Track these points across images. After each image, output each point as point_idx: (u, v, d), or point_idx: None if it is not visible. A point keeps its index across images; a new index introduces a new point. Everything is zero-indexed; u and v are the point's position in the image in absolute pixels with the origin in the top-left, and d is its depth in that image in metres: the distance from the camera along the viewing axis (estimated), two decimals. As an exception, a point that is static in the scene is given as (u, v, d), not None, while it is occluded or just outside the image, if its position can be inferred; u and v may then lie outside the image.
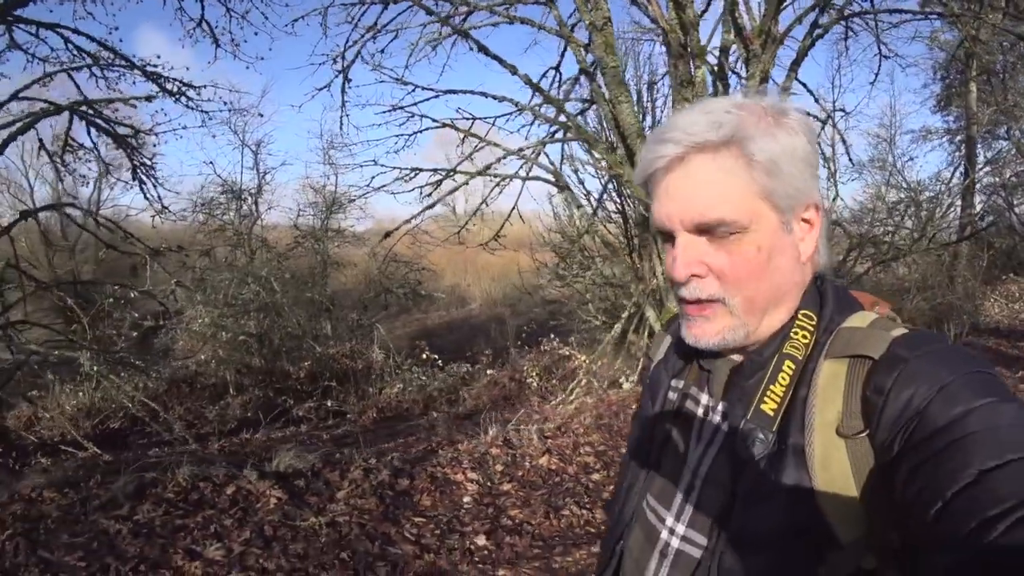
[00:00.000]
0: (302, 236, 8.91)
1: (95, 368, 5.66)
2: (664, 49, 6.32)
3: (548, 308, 9.38)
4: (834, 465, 0.68)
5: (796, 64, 6.11)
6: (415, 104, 7.54)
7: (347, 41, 7.08)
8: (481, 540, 3.14)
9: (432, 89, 7.45)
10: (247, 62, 13.63)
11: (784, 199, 0.74)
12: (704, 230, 0.74)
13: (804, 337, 0.76)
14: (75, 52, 6.26)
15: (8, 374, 5.63)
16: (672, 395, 0.92)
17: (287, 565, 2.94)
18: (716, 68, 6.12)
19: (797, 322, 0.77)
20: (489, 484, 3.68)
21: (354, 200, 8.10)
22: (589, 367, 6.76)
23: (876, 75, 7.95)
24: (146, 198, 6.45)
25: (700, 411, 0.86)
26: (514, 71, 6.09)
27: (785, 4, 5.59)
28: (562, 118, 6.57)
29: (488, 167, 6.67)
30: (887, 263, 6.67)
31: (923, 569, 0.61)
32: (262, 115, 12.98)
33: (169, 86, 6.49)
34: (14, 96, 5.63)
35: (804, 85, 7.33)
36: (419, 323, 10.18)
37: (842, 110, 6.82)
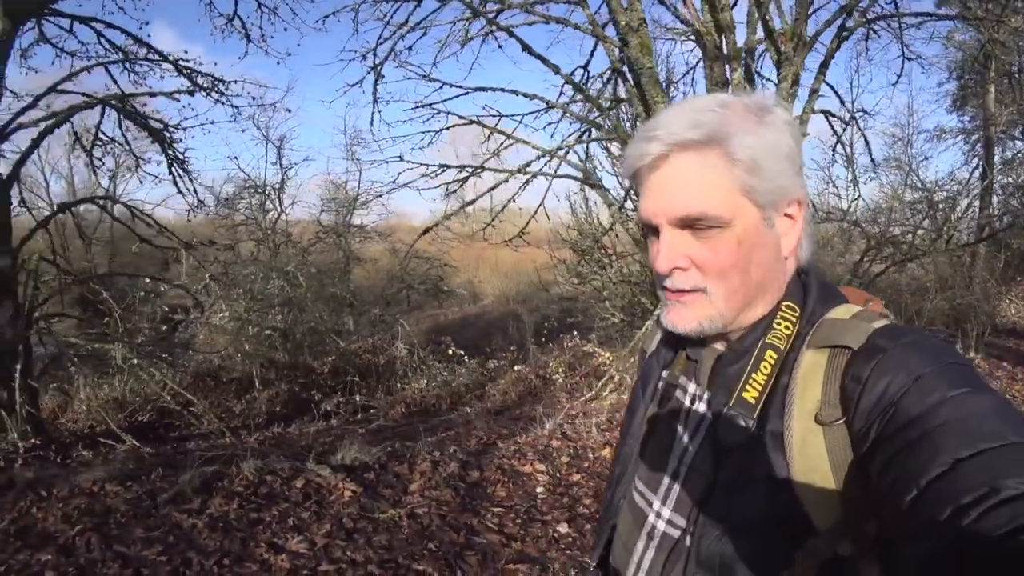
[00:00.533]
0: (324, 231, 8.92)
1: (134, 361, 5.67)
2: (683, 49, 6.40)
3: (563, 305, 9.47)
4: (811, 451, 0.69)
5: (824, 67, 6.22)
6: (442, 101, 7.58)
7: (379, 38, 7.11)
8: (563, 528, 3.22)
9: (461, 86, 7.48)
10: (277, 57, 13.67)
11: (765, 195, 0.76)
12: (687, 225, 0.76)
13: (787, 328, 0.78)
14: (108, 46, 6.25)
15: (44, 365, 5.63)
16: (661, 385, 0.95)
17: (375, 556, 2.98)
18: (743, 70, 6.21)
19: (780, 313, 0.80)
20: (558, 475, 3.77)
21: (380, 196, 8.15)
22: (619, 364, 6.84)
23: (899, 76, 8.09)
24: (180, 192, 6.45)
25: (687, 400, 0.88)
26: (556, 70, 6.15)
27: (816, 8, 5.70)
28: (599, 118, 6.62)
29: (527, 164, 6.71)
30: (904, 263, 6.82)
31: (898, 558, 0.62)
32: (289, 111, 12.97)
33: (201, 81, 6.49)
34: (52, 88, 5.62)
35: (831, 87, 7.44)
36: (432, 319, 10.23)
37: (863, 111, 6.94)
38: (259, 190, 7.80)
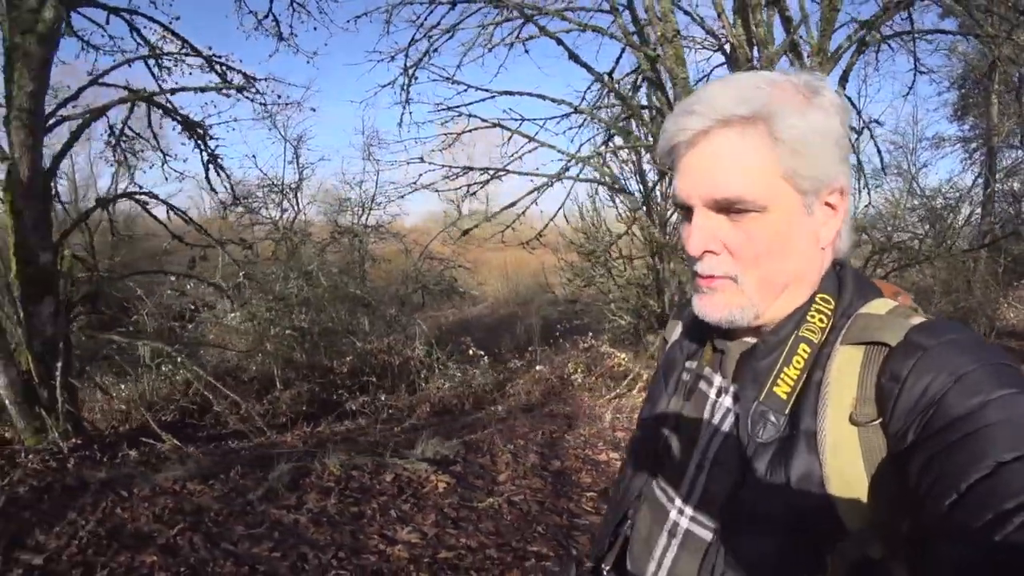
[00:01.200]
0: (339, 231, 8.94)
1: (178, 358, 5.64)
2: (697, 58, 6.68)
3: (569, 307, 9.66)
4: (845, 452, 0.67)
5: (844, 80, 6.57)
6: (467, 104, 7.70)
7: (411, 40, 7.19)
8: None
9: (487, 90, 7.61)
10: (307, 56, 13.56)
11: (808, 181, 0.72)
12: (722, 207, 0.73)
13: (821, 321, 0.75)
14: (139, 39, 6.19)
15: (82, 364, 5.56)
16: (686, 376, 0.91)
17: (488, 541, 3.12)
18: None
19: (815, 305, 0.76)
20: (633, 461, 3.96)
21: (403, 196, 8.21)
22: (638, 364, 7.07)
23: (910, 88, 8.51)
24: (213, 190, 6.41)
25: (713, 393, 0.85)
26: (599, 78, 6.34)
27: (840, 25, 6.03)
28: (625, 124, 6.85)
29: (564, 168, 6.88)
30: (908, 268, 7.23)
31: (933, 560, 0.60)
32: (314, 110, 12.79)
33: (231, 77, 6.47)
34: (94, 81, 5.56)
35: (849, 99, 7.80)
36: (434, 320, 10.28)
37: (875, 120, 7.32)
38: (277, 189, 7.78)
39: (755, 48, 6.08)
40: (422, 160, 8.13)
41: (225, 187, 6.66)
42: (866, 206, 7.34)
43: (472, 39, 7.47)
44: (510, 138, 8.02)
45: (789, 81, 0.74)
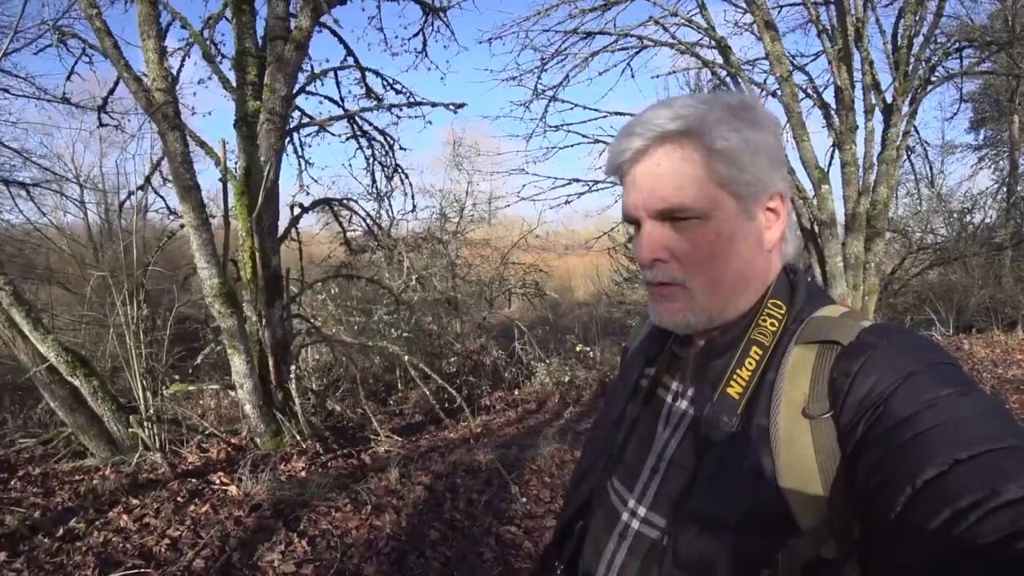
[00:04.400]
0: (434, 238, 9.19)
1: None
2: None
3: (623, 308, 10.50)
4: (797, 446, 0.67)
5: (913, 115, 8.03)
6: (582, 123, 8.39)
7: (541, 64, 7.77)
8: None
9: (596, 110, 8.35)
10: (444, 72, 13.15)
11: (743, 187, 0.76)
12: (667, 217, 0.77)
13: (772, 325, 0.77)
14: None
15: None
16: (644, 382, 0.94)
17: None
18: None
19: (766, 310, 0.78)
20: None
21: (509, 205, 8.62)
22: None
23: (954, 115, 10.09)
24: (405, 195, 6.50)
25: (669, 397, 0.87)
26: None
27: (927, 75, 7.46)
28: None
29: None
30: (939, 266, 8.75)
31: (882, 559, 0.59)
32: (431, 123, 12.52)
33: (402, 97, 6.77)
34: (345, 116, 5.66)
35: (915, 129, 9.29)
36: (501, 320, 10.59)
37: (926, 142, 8.77)
38: (384, 196, 7.92)
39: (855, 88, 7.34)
40: (523, 171, 8.71)
41: (410, 194, 6.87)
42: (915, 214, 8.70)
43: (580, 62, 8.20)
44: (602, 153, 8.81)
45: (722, 99, 0.79)
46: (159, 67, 4.45)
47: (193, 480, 4.23)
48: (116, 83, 6.11)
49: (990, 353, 7.03)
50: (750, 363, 0.74)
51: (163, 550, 3.32)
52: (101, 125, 6.48)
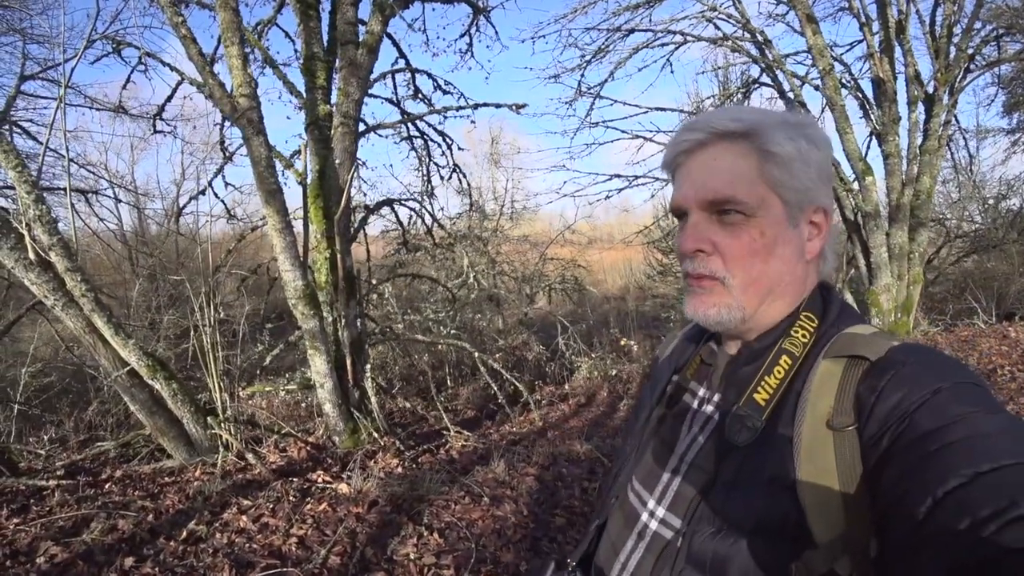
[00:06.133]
0: (477, 237, 9.26)
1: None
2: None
3: (655, 301, 10.60)
4: (820, 456, 0.67)
5: (954, 104, 8.14)
6: (624, 119, 8.49)
7: (583, 61, 7.84)
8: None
9: (637, 105, 8.43)
10: (488, 72, 13.28)
11: (792, 193, 0.79)
12: (715, 209, 0.80)
13: (804, 336, 0.79)
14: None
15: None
16: (671, 388, 0.96)
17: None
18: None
19: (799, 322, 0.80)
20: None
21: (551, 202, 8.69)
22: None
23: (992, 100, 10.08)
24: (459, 192, 6.61)
25: (695, 402, 0.89)
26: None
27: (966, 63, 7.56)
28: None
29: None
30: (976, 254, 8.83)
31: (901, 569, 0.59)
32: (474, 123, 12.50)
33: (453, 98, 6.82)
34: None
35: (956, 118, 9.38)
36: (538, 314, 10.68)
37: (965, 130, 8.78)
38: (426, 194, 7.98)
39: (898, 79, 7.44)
40: (565, 167, 8.79)
41: (464, 191, 6.94)
42: (956, 202, 8.72)
43: (623, 59, 8.28)
44: (640, 148, 8.89)
45: (780, 113, 0.82)
46: (243, 73, 4.50)
47: (295, 479, 4.29)
48: (174, 90, 6.15)
49: (1036, 339, 7.14)
50: (779, 371, 0.76)
51: (292, 548, 3.39)
52: (156, 132, 6.52)
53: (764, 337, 0.83)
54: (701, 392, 0.89)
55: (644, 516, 0.85)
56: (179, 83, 5.96)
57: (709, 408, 0.85)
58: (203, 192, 6.25)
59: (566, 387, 8.36)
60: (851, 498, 0.65)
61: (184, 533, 3.56)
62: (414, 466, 4.70)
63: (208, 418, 5.12)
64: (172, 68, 5.90)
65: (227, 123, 6.60)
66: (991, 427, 0.59)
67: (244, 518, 3.74)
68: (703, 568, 0.73)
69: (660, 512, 0.83)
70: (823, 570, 0.65)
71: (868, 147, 8.50)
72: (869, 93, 7.94)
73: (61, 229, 4.17)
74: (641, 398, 1.04)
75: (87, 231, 9.56)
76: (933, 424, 0.61)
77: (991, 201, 9.50)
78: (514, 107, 5.83)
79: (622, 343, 8.61)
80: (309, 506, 3.81)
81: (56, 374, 7.78)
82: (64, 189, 7.79)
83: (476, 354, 5.97)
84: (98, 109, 7.87)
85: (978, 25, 7.67)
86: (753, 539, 0.70)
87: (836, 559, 0.64)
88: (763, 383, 0.76)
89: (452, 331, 7.98)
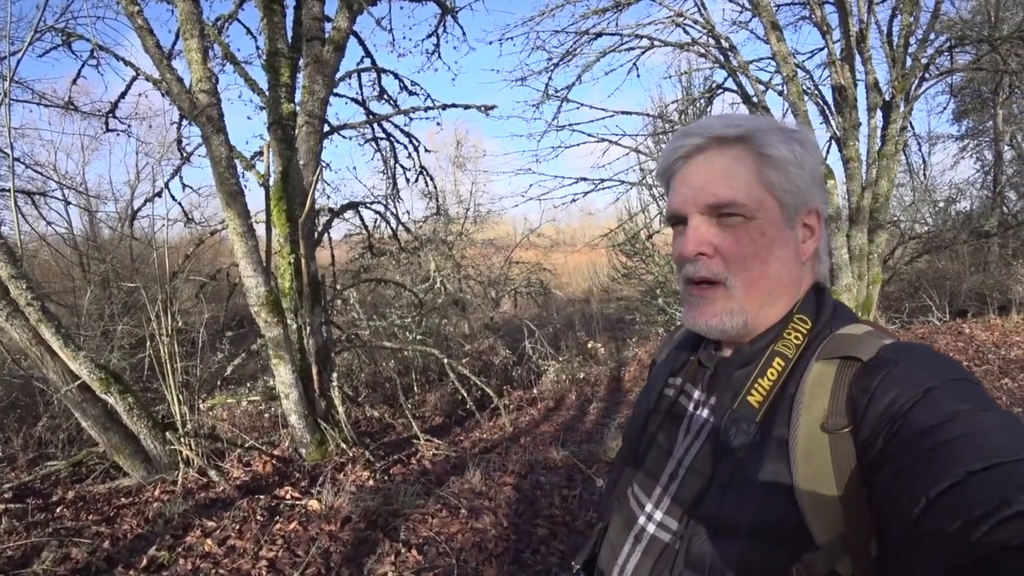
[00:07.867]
0: (442, 240, 9.12)
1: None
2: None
3: (617, 304, 10.63)
4: (816, 459, 0.68)
5: (909, 111, 8.37)
6: (590, 122, 8.46)
7: (551, 64, 7.80)
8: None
9: (604, 109, 8.44)
10: (455, 73, 12.90)
11: (788, 195, 0.80)
12: (715, 212, 0.80)
13: (796, 338, 0.79)
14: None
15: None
16: (668, 392, 0.97)
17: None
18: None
19: (792, 324, 0.81)
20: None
21: (517, 206, 8.60)
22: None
23: (944, 108, 10.44)
24: (427, 196, 6.43)
25: (691, 406, 0.90)
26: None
27: (921, 72, 7.79)
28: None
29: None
30: (928, 253, 9.15)
31: (898, 569, 0.60)
32: (440, 124, 12.04)
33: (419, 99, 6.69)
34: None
35: (911, 124, 9.60)
36: (503, 318, 10.59)
37: (919, 136, 9.09)
38: (392, 197, 7.78)
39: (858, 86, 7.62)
40: (531, 171, 8.73)
41: (432, 195, 6.77)
42: (910, 205, 9.01)
43: (590, 62, 8.28)
44: (605, 151, 8.91)
45: (773, 120, 0.85)
46: (203, 67, 4.28)
47: (261, 496, 4.10)
48: (129, 86, 5.84)
49: (990, 336, 7.42)
50: (772, 373, 0.76)
51: (263, 573, 3.21)
52: (109, 130, 6.18)
53: (758, 340, 0.83)
54: (697, 395, 0.89)
55: (641, 519, 0.86)
56: (134, 78, 5.68)
57: (705, 411, 0.86)
58: (159, 194, 5.96)
59: (534, 391, 8.31)
60: (849, 499, 0.65)
61: (144, 560, 3.33)
62: (386, 478, 4.55)
63: (167, 433, 4.87)
64: (126, 63, 5.62)
65: (185, 121, 6.30)
66: (983, 424, 0.59)
67: (209, 541, 3.54)
68: (702, 570, 0.73)
69: (658, 515, 0.84)
70: (824, 571, 0.65)
71: (828, 151, 8.70)
72: (830, 99, 8.13)
73: (5, 233, 3.89)
74: (637, 403, 1.05)
75: (34, 235, 9.09)
76: (926, 423, 0.61)
77: (942, 204, 9.94)
78: (483, 108, 5.74)
79: (588, 346, 8.61)
80: (278, 525, 3.63)
81: (2, 387, 7.34)
82: (8, 190, 7.32)
83: (444, 359, 5.83)
84: (46, 105, 7.45)
85: (932, 36, 7.92)
86: (750, 539, 0.70)
87: (837, 560, 0.65)
88: (756, 386, 0.76)
89: (418, 336, 7.84)
